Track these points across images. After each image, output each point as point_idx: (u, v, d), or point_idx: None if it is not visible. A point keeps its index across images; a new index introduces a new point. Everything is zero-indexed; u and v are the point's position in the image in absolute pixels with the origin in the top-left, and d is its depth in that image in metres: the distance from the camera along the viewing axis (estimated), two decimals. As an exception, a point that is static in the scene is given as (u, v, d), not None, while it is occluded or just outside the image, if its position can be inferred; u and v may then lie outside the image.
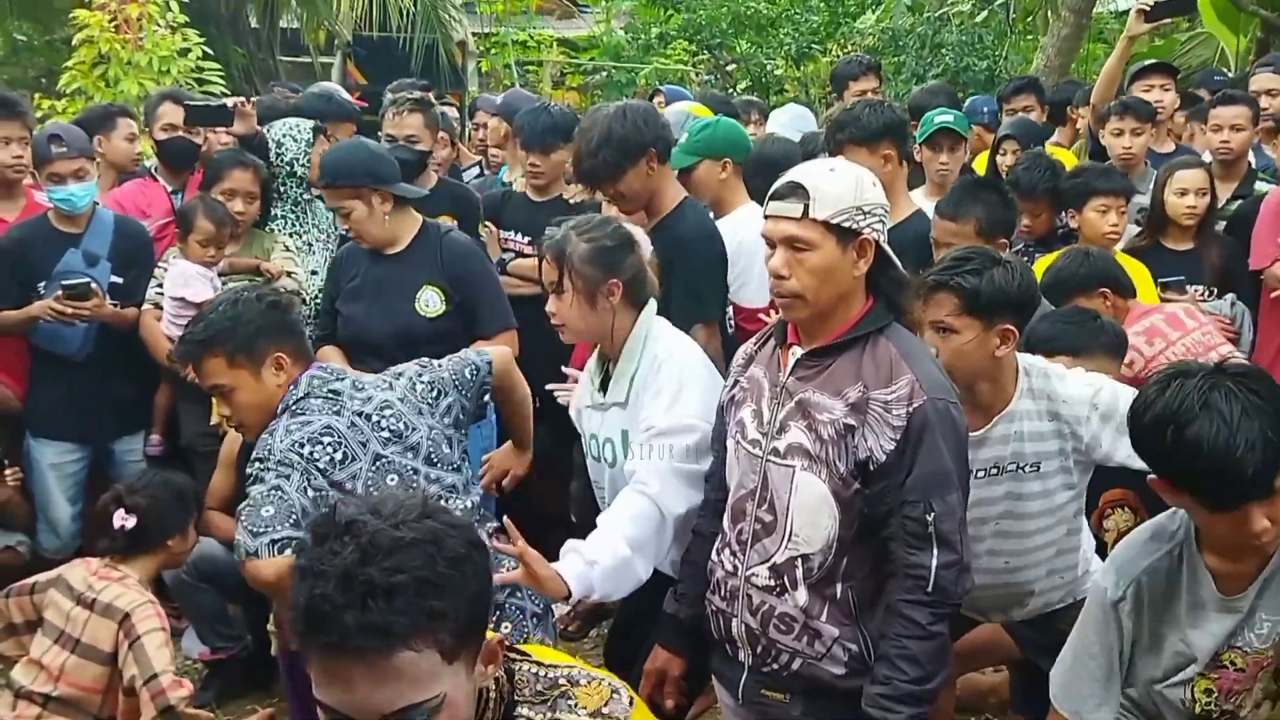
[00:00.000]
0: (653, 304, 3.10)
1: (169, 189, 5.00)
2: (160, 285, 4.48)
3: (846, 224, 2.37)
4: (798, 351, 2.49)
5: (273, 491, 2.70)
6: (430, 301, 3.91)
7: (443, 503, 2.74)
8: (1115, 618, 2.32)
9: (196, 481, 4.51)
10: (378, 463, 2.86)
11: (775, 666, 2.51)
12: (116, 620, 3.26)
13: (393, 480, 2.86)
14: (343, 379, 2.97)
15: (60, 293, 4.20)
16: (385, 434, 2.90)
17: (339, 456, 2.81)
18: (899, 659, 2.34)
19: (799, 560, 2.44)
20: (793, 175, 2.44)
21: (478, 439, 3.97)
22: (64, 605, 3.33)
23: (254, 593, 4.05)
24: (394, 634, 1.40)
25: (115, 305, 4.37)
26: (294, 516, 2.68)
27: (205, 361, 2.91)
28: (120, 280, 4.45)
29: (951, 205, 3.79)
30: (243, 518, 2.69)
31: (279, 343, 2.93)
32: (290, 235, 4.74)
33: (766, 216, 2.45)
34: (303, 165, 4.76)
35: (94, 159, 4.53)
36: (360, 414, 2.90)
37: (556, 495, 5.20)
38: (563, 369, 3.79)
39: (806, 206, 2.36)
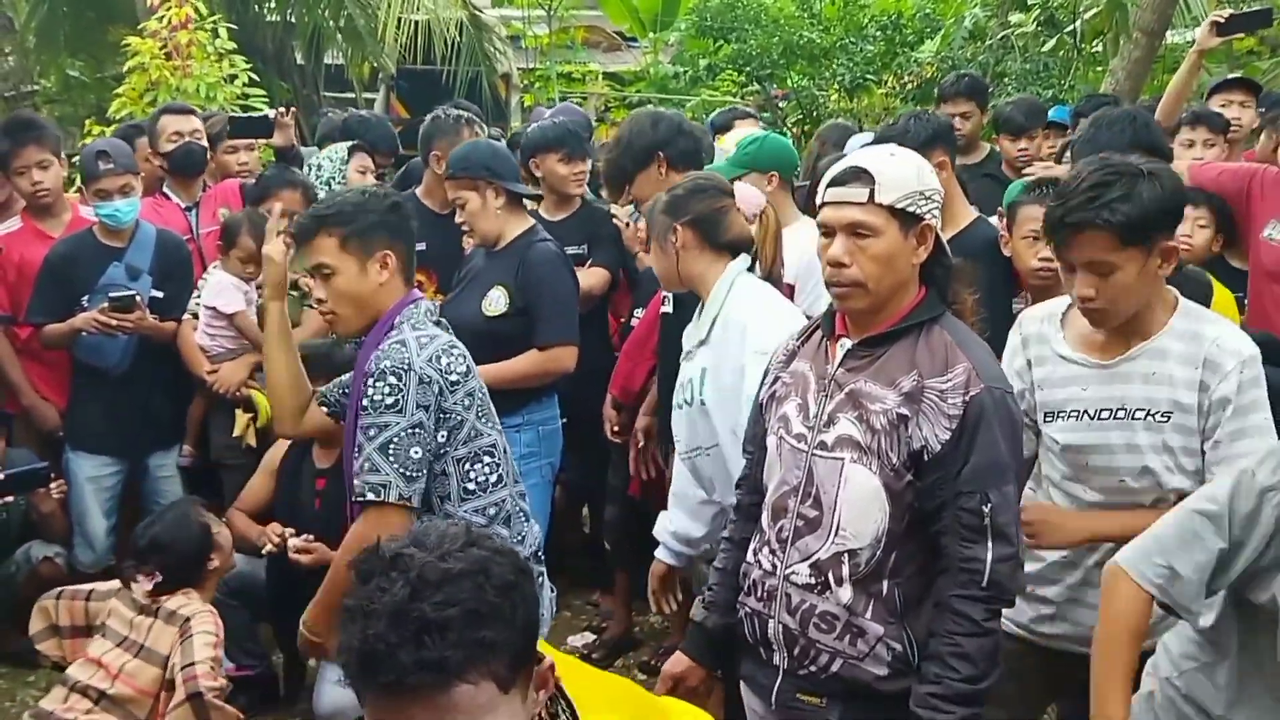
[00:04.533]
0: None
1: (183, 206, 4.98)
2: (200, 296, 4.48)
3: (910, 209, 2.31)
4: (847, 343, 2.42)
5: (416, 430, 2.73)
6: (496, 301, 3.93)
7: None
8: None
9: (224, 494, 4.47)
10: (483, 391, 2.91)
11: (813, 669, 2.40)
12: (178, 625, 3.29)
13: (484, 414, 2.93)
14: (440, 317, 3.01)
15: (106, 304, 4.20)
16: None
17: (465, 368, 2.85)
18: (951, 657, 2.24)
19: (845, 556, 2.34)
20: (854, 160, 2.38)
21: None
22: (126, 614, 3.37)
23: (285, 610, 4.01)
24: (450, 669, 1.37)
25: (156, 318, 4.36)
26: (429, 462, 2.78)
27: (318, 238, 2.91)
28: (161, 294, 4.45)
29: None
30: (391, 454, 2.71)
31: (392, 242, 2.94)
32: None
33: (825, 204, 2.38)
34: (339, 184, 4.75)
35: (139, 174, 4.53)
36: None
37: (576, 523, 5.11)
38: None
39: (872, 191, 2.30)
